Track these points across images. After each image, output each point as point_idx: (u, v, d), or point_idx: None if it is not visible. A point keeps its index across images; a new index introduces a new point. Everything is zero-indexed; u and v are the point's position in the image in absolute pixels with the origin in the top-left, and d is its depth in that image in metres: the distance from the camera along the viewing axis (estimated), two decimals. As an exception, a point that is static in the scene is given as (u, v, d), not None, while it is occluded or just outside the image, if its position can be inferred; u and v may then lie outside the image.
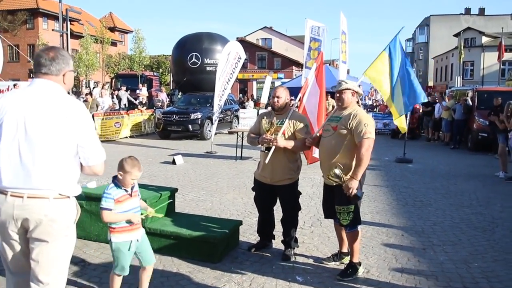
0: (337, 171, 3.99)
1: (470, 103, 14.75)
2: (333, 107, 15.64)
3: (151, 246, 4.67)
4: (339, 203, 4.13)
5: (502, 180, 9.16)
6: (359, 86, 4.47)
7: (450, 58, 49.83)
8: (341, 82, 4.35)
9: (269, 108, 4.93)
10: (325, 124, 4.48)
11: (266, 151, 4.56)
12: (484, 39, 46.12)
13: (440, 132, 16.71)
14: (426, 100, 9.58)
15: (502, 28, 37.18)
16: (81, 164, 2.67)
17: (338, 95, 4.30)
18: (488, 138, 12.79)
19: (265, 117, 4.76)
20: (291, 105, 4.95)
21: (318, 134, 4.54)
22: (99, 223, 4.92)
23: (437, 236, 5.51)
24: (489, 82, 37.34)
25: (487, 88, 18.10)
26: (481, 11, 57.68)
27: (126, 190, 3.41)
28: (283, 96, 4.65)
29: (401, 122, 9.29)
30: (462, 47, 32.30)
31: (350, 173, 4.02)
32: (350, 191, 3.97)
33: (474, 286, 4.10)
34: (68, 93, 2.97)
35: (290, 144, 4.50)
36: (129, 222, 3.41)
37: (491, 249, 5.07)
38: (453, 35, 47.71)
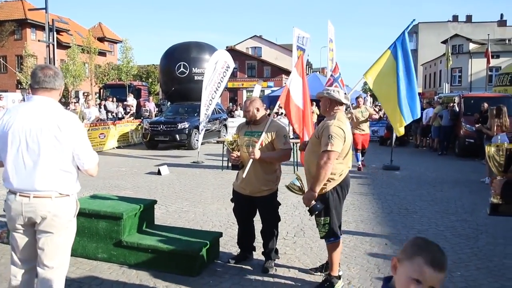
0: (296, 181, 4.02)
1: (457, 109, 14.82)
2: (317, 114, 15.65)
3: (128, 261, 4.61)
4: (309, 213, 4.07)
5: (488, 186, 9.12)
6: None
7: (438, 65, 50.23)
8: (323, 89, 4.27)
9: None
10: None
11: (233, 169, 4.60)
12: (472, 46, 46.55)
13: (428, 138, 16.74)
14: (418, 117, 9.60)
15: (489, 35, 37.61)
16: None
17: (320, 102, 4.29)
18: (475, 144, 12.83)
19: (237, 131, 4.74)
20: (268, 114, 4.90)
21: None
22: (75, 237, 4.79)
23: (421, 245, 5.43)
24: (477, 88, 37.65)
25: (473, 94, 18.19)
26: (468, 18, 58.29)
27: None
28: (251, 108, 4.56)
29: (401, 127, 9.16)
30: (449, 54, 32.54)
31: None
32: (305, 202, 3.96)
33: (456, 296, 4.03)
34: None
35: (267, 155, 4.44)
36: None
37: (475, 257, 5.02)
38: (441, 42, 48.15)
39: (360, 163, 11.01)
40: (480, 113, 12.83)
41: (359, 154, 10.95)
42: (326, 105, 4.11)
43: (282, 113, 20.14)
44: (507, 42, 48.00)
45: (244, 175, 4.43)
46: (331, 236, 4.09)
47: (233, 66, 12.61)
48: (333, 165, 3.85)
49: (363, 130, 10.88)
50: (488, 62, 29.34)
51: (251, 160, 4.41)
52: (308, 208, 4.01)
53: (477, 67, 42.60)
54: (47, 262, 3.04)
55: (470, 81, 43.69)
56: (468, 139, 13.64)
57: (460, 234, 5.90)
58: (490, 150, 2.54)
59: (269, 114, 4.97)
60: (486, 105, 12.62)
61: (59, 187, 3.00)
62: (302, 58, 6.51)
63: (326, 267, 4.48)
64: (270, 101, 18.24)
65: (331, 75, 12.76)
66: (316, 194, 3.90)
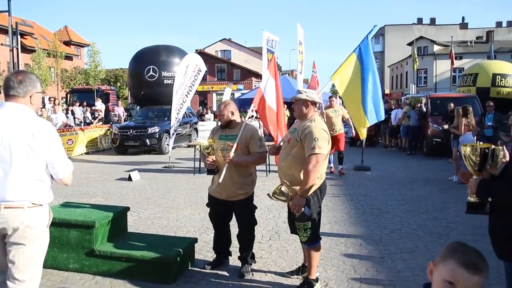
0: (283, 188, 3.83)
1: (424, 109, 15.16)
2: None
3: (102, 270, 4.49)
4: (296, 219, 3.99)
5: (456, 184, 9.37)
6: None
7: (404, 66, 51.35)
8: (297, 92, 4.19)
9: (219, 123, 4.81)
10: (285, 135, 4.39)
11: (208, 174, 4.53)
12: (436, 48, 47.83)
13: (397, 138, 17.03)
14: (382, 119, 9.82)
15: (452, 37, 38.71)
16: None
17: (293, 105, 4.22)
18: (442, 143, 13.15)
19: (212, 135, 4.69)
20: (244, 117, 4.87)
21: (281, 144, 4.40)
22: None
23: (395, 244, 5.52)
24: (442, 88, 38.68)
25: (439, 94, 18.66)
26: (432, 21, 59.90)
27: None
28: (225, 112, 4.52)
29: (364, 130, 9.35)
30: (416, 56, 33.27)
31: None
32: (295, 209, 3.81)
33: (431, 294, 4.09)
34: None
35: (243, 159, 4.41)
36: None
37: (447, 255, 5.10)
38: (407, 44, 49.26)
39: (332, 165, 11.02)
40: (446, 113, 13.15)
41: (331, 156, 10.94)
42: (304, 107, 4.04)
43: (252, 116, 20.14)
44: (469, 44, 49.53)
45: (220, 180, 4.39)
46: (313, 241, 4.06)
47: (204, 70, 12.52)
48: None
49: (336, 130, 10.57)
50: (452, 63, 30.14)
51: (226, 164, 4.37)
52: (297, 215, 3.88)
53: (442, 68, 43.81)
54: (18, 275, 2.91)
55: (435, 82, 44.90)
56: (435, 139, 13.98)
57: (432, 232, 6.01)
58: (466, 150, 2.58)
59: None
60: (452, 105, 12.95)
61: (32, 197, 2.90)
62: (274, 60, 6.50)
63: (302, 269, 4.48)
64: (240, 104, 18.25)
65: (314, 72, 12.97)
66: (305, 200, 3.83)
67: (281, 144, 4.38)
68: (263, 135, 12.15)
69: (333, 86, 15.13)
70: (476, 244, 5.43)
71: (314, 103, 4.08)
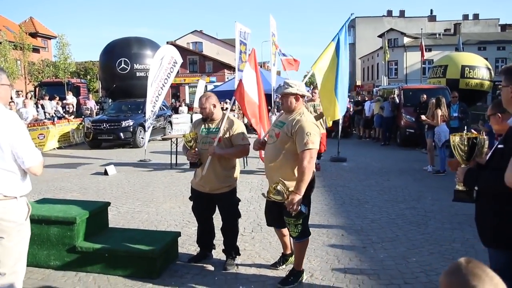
0: (279, 187, 3.69)
1: (397, 100, 15.41)
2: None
3: (84, 267, 4.40)
4: (286, 215, 3.90)
5: (430, 174, 9.58)
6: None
7: (375, 58, 52.07)
8: (284, 85, 4.03)
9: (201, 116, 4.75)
10: (270, 129, 4.26)
11: (191, 167, 4.48)
12: (406, 40, 48.69)
13: (371, 129, 17.27)
14: (342, 114, 9.74)
15: (422, 29, 39.44)
16: None
17: (280, 99, 4.14)
18: (415, 133, 13.41)
19: (193, 129, 4.65)
20: (225, 108, 4.83)
21: (265, 139, 4.33)
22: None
23: (376, 233, 5.60)
24: (412, 80, 39.45)
25: (411, 86, 18.99)
26: (402, 13, 60.83)
27: None
28: (207, 105, 4.46)
29: (330, 120, 9.36)
30: (387, 48, 33.68)
31: (293, 188, 3.72)
32: (293, 207, 3.67)
33: (414, 281, 4.18)
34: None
35: (226, 152, 4.37)
36: None
37: (426, 243, 5.22)
38: (378, 36, 49.89)
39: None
40: (419, 104, 13.39)
41: None
42: (294, 101, 3.94)
43: (227, 108, 20.02)
44: (437, 36, 50.56)
45: (203, 173, 4.35)
46: (304, 235, 4.03)
47: (180, 62, 12.36)
48: None
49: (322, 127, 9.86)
50: (422, 55, 30.66)
51: (209, 157, 4.33)
52: (294, 213, 3.74)
53: (412, 60, 44.67)
54: None
55: (405, 74, 45.71)
56: (408, 129, 14.24)
57: (410, 221, 6.12)
58: (454, 140, 2.63)
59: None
60: (425, 96, 13.21)
61: (3, 189, 2.87)
62: (255, 53, 6.47)
63: (283, 259, 4.50)
64: (215, 96, 18.11)
65: (283, 54, 12.98)
66: (301, 197, 3.71)
67: (266, 139, 4.32)
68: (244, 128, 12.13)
69: (304, 77, 15.19)
70: (453, 232, 5.59)
71: (303, 97, 4.03)
